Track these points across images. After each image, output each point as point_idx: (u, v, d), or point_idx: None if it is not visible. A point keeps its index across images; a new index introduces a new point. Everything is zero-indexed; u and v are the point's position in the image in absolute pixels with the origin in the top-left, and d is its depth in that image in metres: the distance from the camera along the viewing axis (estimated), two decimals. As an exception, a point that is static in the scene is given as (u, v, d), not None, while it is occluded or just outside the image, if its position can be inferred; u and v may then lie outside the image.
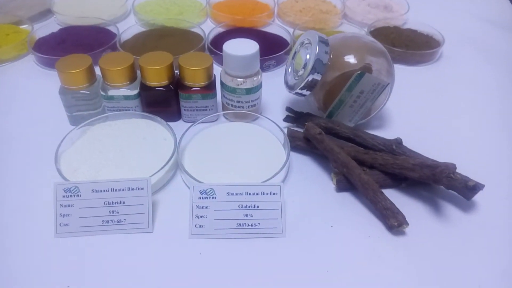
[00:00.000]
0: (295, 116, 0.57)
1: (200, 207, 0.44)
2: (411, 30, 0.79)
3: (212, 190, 0.45)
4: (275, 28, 0.80)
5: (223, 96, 0.57)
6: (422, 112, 0.62)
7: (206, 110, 0.57)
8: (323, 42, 0.51)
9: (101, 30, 0.78)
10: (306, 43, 0.54)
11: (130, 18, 0.85)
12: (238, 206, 0.45)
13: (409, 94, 0.66)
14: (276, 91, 0.63)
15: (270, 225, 0.44)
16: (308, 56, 0.52)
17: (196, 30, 0.78)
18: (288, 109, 0.57)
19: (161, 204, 0.47)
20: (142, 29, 0.79)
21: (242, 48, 0.53)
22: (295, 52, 0.56)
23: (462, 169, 0.47)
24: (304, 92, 0.53)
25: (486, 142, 0.57)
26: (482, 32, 0.84)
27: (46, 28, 0.77)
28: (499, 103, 0.64)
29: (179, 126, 0.56)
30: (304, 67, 0.52)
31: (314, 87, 0.52)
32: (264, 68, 0.69)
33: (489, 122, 0.60)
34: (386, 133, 0.57)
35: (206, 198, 0.45)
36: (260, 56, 0.68)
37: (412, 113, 0.62)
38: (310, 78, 0.51)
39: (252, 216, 0.45)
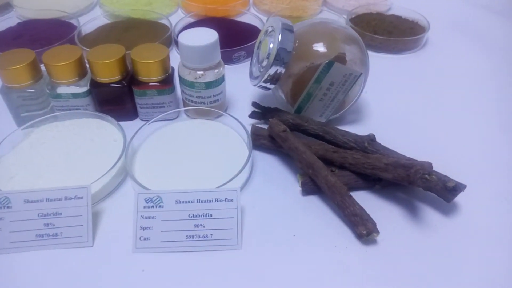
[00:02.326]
0: (262, 112, 0.52)
1: (146, 218, 0.40)
2: (394, 16, 0.73)
3: (159, 198, 0.40)
4: (250, 17, 0.74)
5: (182, 91, 0.52)
6: (404, 105, 0.57)
7: (164, 107, 0.52)
8: (287, 29, 0.46)
9: (62, 23, 0.73)
10: (270, 31, 0.48)
11: (96, 11, 0.80)
12: (189, 216, 0.40)
13: (390, 85, 0.60)
14: (246, 85, 0.57)
15: (225, 236, 0.39)
16: (271, 45, 0.46)
17: (165, 21, 0.72)
18: (254, 104, 0.52)
19: (106, 214, 0.42)
20: (107, 22, 0.74)
21: (200, 37, 0.48)
22: (260, 41, 0.51)
23: (445, 168, 0.42)
24: (268, 85, 0.48)
25: (473, 137, 0.51)
26: (472, 17, 0.78)
27: (5, 23, 0.72)
28: (488, 94, 0.59)
29: (136, 125, 0.51)
30: (268, 57, 0.47)
31: (279, 80, 0.47)
32: (234, 60, 0.64)
33: (477, 116, 0.55)
34: (363, 128, 0.52)
35: (153, 207, 0.40)
36: (230, 47, 0.63)
37: (393, 106, 0.56)
38: (273, 69, 0.46)
39: (204, 227, 0.40)
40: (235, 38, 0.66)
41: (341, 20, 0.72)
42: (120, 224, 0.41)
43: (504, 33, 0.73)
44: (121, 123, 0.51)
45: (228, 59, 0.63)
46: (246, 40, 0.64)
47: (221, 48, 0.63)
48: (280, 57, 0.45)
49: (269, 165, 0.47)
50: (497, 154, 0.49)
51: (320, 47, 0.47)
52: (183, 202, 0.40)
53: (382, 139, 0.46)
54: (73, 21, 0.72)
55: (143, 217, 0.40)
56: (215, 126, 0.51)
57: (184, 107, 0.54)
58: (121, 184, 0.45)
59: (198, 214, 0.40)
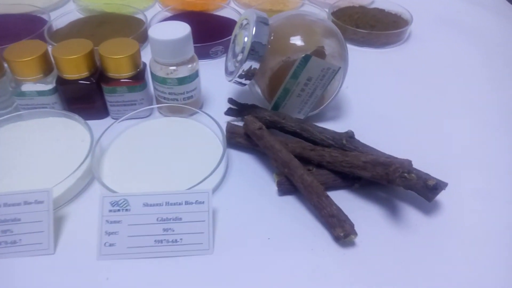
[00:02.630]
0: (238, 109, 0.50)
1: (111, 222, 0.37)
2: (378, 9, 0.71)
3: (125, 201, 0.38)
4: (229, 11, 0.72)
5: (154, 88, 0.50)
6: (386, 100, 0.55)
7: (135, 104, 0.50)
8: (262, 21, 0.44)
9: (32, 18, 0.70)
10: (245, 24, 0.46)
11: (69, 5, 0.77)
12: (157, 219, 0.38)
13: (373, 80, 0.59)
14: (223, 81, 0.55)
15: (195, 241, 0.37)
16: (246, 39, 0.44)
17: (140, 16, 0.70)
18: (231, 100, 0.50)
19: (70, 219, 0.40)
20: (81, 16, 0.71)
21: (171, 31, 0.45)
22: (235, 35, 0.49)
23: (426, 166, 0.40)
24: (244, 81, 0.46)
25: (456, 134, 0.50)
26: (456, 9, 0.77)
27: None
28: (473, 89, 0.57)
29: (107, 124, 0.49)
30: (242, 51, 0.44)
31: (255, 75, 0.45)
32: (211, 55, 0.62)
33: (460, 111, 0.53)
34: (343, 125, 0.50)
35: (119, 210, 0.38)
36: (207, 42, 0.61)
37: (375, 101, 0.55)
38: (247, 64, 0.44)
39: (173, 231, 0.37)
40: (213, 32, 0.63)
41: (322, 13, 0.70)
42: (85, 229, 0.38)
43: (490, 26, 0.72)
44: (91, 122, 0.49)
45: (205, 54, 0.61)
46: (224, 35, 0.62)
47: (198, 43, 0.61)
48: (255, 51, 0.43)
49: (245, 164, 0.45)
50: (480, 150, 0.47)
51: (296, 41, 0.45)
52: (151, 205, 0.38)
53: (363, 136, 0.44)
54: (45, 16, 0.70)
55: (108, 222, 0.37)
56: (189, 124, 0.49)
57: (157, 104, 0.51)
58: (87, 187, 0.43)
59: (167, 218, 0.38)
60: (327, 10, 0.70)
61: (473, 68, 0.61)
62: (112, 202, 0.38)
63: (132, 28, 0.66)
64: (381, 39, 0.65)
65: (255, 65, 0.44)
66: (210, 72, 0.56)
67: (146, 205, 0.38)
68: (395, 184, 0.36)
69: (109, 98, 0.49)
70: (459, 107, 0.54)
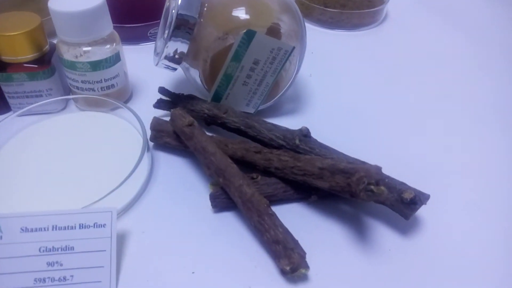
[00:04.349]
0: (171, 100, 0.40)
1: (-25, 255, 0.27)
2: (350, -13, 0.62)
3: (-5, 225, 0.28)
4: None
5: (65, 75, 0.40)
6: (357, 92, 0.45)
7: (41, 96, 0.39)
8: (192, -13, 0.34)
9: None
10: (175, -7, 0.36)
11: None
12: (40, 250, 0.28)
13: (342, 67, 0.49)
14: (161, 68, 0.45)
15: (92, 278, 0.27)
16: (173, 12, 0.34)
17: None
18: (162, 90, 0.40)
19: None
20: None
21: (78, 1, 0.35)
22: (166, 8, 0.39)
23: (403, 172, 0.31)
24: (172, 64, 0.36)
25: (439, 132, 0.41)
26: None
27: None
28: (458, 79, 0.48)
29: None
30: (169, 27, 0.35)
31: (184, 56, 0.35)
32: (149, 37, 0.52)
33: (444, 105, 0.44)
34: (303, 121, 0.41)
35: (-14, 238, 0.28)
36: (146, 22, 0.51)
37: (343, 93, 0.45)
38: (172, 43, 0.34)
39: (61, 265, 0.27)
40: (153, 10, 0.53)
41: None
42: None
43: (475, 6, 0.63)
44: (-14, 118, 0.38)
45: (143, 36, 0.51)
46: (167, 14, 0.52)
47: (135, 22, 0.51)
48: (182, 26, 0.33)
49: (175, 171, 0.36)
50: (468, 153, 0.38)
51: (239, 13, 0.35)
52: (31, 231, 0.28)
53: (325, 135, 0.35)
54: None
55: (-30, 254, 0.27)
56: (108, 121, 0.39)
57: (72, 95, 0.41)
58: (-39, 203, 0.33)
59: (53, 248, 0.28)
60: (291, -13, 0.61)
61: (457, 54, 0.52)
62: (-23, 227, 0.28)
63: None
64: (353, 20, 0.55)
65: (183, 44, 0.34)
66: (147, 58, 0.46)
67: (24, 230, 0.28)
68: (359, 198, 0.27)
69: (5, 88, 0.39)
70: (442, 101, 0.45)
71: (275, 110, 0.41)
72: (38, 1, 0.57)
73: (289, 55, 0.36)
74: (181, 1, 0.33)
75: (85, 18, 0.35)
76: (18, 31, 0.36)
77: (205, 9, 0.35)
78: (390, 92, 0.45)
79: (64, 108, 0.41)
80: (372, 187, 0.26)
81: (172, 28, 0.33)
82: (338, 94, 0.45)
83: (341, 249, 0.30)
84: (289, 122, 0.37)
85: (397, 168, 0.32)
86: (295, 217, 0.31)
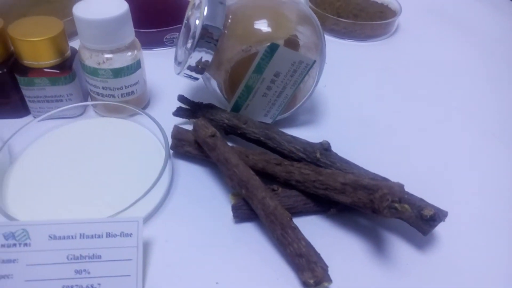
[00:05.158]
0: (191, 109, 0.40)
1: (3, 262, 0.27)
2: (362, -3, 0.63)
3: (24, 232, 0.28)
4: (193, -6, 0.62)
5: (86, 81, 0.40)
6: (370, 103, 0.46)
7: (62, 101, 0.40)
8: (217, 0, 0.35)
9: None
10: (199, 3, 0.37)
11: (4, -20, 0.66)
12: (67, 258, 0.28)
13: (355, 78, 0.50)
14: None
15: (119, 287, 0.28)
16: (197, 22, 0.35)
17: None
18: (181, 98, 0.41)
19: (-47, 253, 0.30)
20: (15, -7, 0.60)
21: (102, 8, 0.36)
22: (188, 18, 0.40)
23: (420, 188, 0.32)
24: (195, 74, 0.37)
25: (456, 145, 0.41)
26: (449, 1, 0.69)
27: None
28: (472, 90, 0.49)
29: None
30: (193, 37, 0.35)
31: (207, 66, 0.36)
32: (166, 42, 0.52)
33: (460, 117, 0.45)
34: (318, 132, 0.42)
35: (15, 245, 0.28)
36: (162, 27, 0.51)
37: (357, 103, 0.46)
38: (197, 53, 0.35)
39: (89, 273, 0.28)
40: (169, 15, 0.54)
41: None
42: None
43: (486, 19, 0.64)
44: (7, 121, 0.39)
45: (159, 41, 0.52)
46: (182, 19, 0.52)
47: (152, 28, 0.51)
48: (207, 37, 0.34)
49: (195, 180, 0.36)
50: (486, 166, 0.39)
51: (261, 26, 0.36)
52: (59, 238, 0.28)
53: (341, 147, 0.35)
54: (-29, -9, 0.58)
55: (-1, 261, 0.28)
56: (127, 127, 0.39)
57: (91, 101, 0.42)
58: (-15, 208, 0.33)
59: (81, 256, 0.28)
60: (305, -4, 0.61)
61: (469, 65, 0.53)
62: (6, 234, 0.28)
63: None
64: (366, 31, 0.56)
65: (208, 55, 0.35)
66: (163, 63, 0.47)
67: (53, 237, 0.28)
68: (382, 215, 0.28)
69: (26, 92, 0.39)
70: (456, 113, 0.45)
71: (291, 121, 0.42)
72: (53, 2, 0.58)
73: (310, 68, 0.36)
74: (207, 12, 0.34)
75: (110, 26, 0.35)
76: (41, 37, 0.36)
77: (229, 21, 0.35)
78: (404, 104, 0.46)
79: (82, 113, 0.41)
80: (396, 205, 0.26)
81: (197, 38, 0.34)
82: (352, 105, 0.46)
83: (359, 262, 0.31)
84: (305, 133, 0.38)
85: (412, 182, 0.32)
86: (314, 230, 0.32)
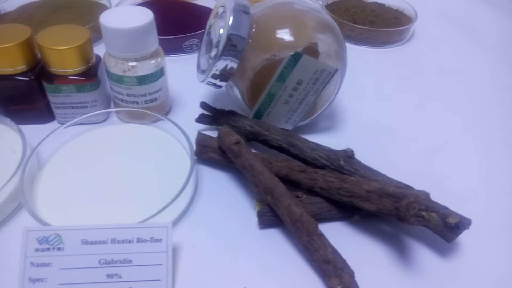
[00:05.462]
0: (213, 115, 0.41)
1: (38, 265, 0.28)
2: (377, 3, 0.63)
3: (57, 237, 0.29)
4: (211, 1, 0.63)
5: (110, 88, 0.41)
6: (388, 109, 0.47)
7: (87, 107, 0.41)
8: (242, 10, 0.35)
9: (-23, 0, 0.59)
10: (222, 12, 0.38)
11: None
12: (99, 262, 0.29)
13: (371, 84, 0.50)
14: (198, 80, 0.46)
15: (149, 291, 0.29)
16: (221, 31, 0.36)
17: (104, 1, 0.60)
18: (203, 105, 0.41)
19: (-13, 257, 0.31)
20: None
21: (128, 18, 0.36)
22: (210, 26, 0.40)
23: (441, 195, 0.33)
24: (218, 82, 0.37)
25: (478, 152, 0.42)
26: (463, 7, 0.69)
27: None
28: (489, 96, 0.50)
29: (50, 131, 0.39)
30: (217, 45, 0.36)
31: (232, 75, 0.37)
32: (184, 49, 0.53)
33: (480, 124, 0.45)
34: (338, 139, 0.42)
35: (48, 249, 0.29)
36: (181, 33, 0.52)
37: (375, 110, 0.46)
38: (222, 62, 0.35)
39: (120, 277, 0.29)
40: (188, 23, 0.54)
41: (315, 5, 0.62)
42: (4, 272, 0.30)
43: (503, 26, 0.64)
44: (32, 127, 0.40)
45: (178, 48, 0.52)
46: (200, 26, 0.53)
47: (170, 35, 0.52)
48: (232, 46, 0.34)
49: (219, 186, 0.37)
50: (509, 174, 0.39)
51: (284, 35, 0.37)
52: (91, 243, 0.29)
53: (361, 154, 0.36)
54: (-8, -2, 0.59)
55: (33, 265, 0.28)
56: (151, 133, 0.40)
57: (115, 107, 0.42)
58: (16, 213, 0.34)
59: (112, 260, 0.29)
60: (320, 2, 0.62)
61: (485, 73, 0.54)
62: (40, 239, 0.29)
63: (94, 16, 0.56)
64: (381, 37, 0.57)
65: (233, 63, 0.35)
66: (182, 69, 0.48)
67: (85, 242, 0.29)
68: (408, 223, 0.28)
69: (52, 98, 0.40)
70: (476, 120, 0.46)
71: (311, 127, 0.43)
72: (72, 8, 0.59)
73: (332, 76, 0.37)
74: (232, 21, 0.34)
75: (136, 35, 0.36)
76: (68, 46, 0.37)
77: (253, 30, 0.36)
78: (420, 111, 0.47)
79: (106, 119, 0.42)
80: (424, 213, 0.27)
81: (222, 48, 0.34)
82: (370, 112, 0.46)
83: (383, 268, 0.31)
84: (323, 139, 0.38)
85: (434, 189, 0.32)
86: (338, 236, 0.32)
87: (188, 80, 0.46)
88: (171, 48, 0.52)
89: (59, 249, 0.29)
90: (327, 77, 0.37)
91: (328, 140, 0.40)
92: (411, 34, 0.60)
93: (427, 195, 0.28)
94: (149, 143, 0.39)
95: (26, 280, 0.28)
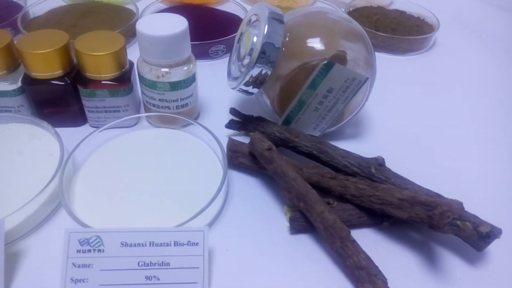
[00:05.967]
0: (242, 121, 0.42)
1: (79, 266, 0.29)
2: (398, 11, 0.64)
3: (98, 239, 0.30)
4: (232, 6, 0.64)
5: (142, 92, 0.42)
6: (412, 117, 0.47)
7: (119, 111, 0.41)
8: (276, 18, 0.36)
9: (8, 3, 0.61)
10: (254, 21, 0.38)
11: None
12: (138, 264, 0.30)
13: (394, 91, 0.51)
14: (225, 86, 0.46)
15: (186, 293, 0.30)
16: (255, 39, 0.36)
17: (131, 6, 0.61)
18: (233, 111, 0.42)
19: (28, 259, 0.32)
20: (63, 4, 0.63)
21: (164, 25, 0.37)
22: (242, 33, 0.41)
23: (469, 204, 0.33)
24: (251, 89, 0.38)
25: (503, 160, 0.42)
26: (486, 16, 0.69)
27: None
28: (510, 102, 0.50)
29: (83, 134, 0.40)
30: (251, 53, 0.36)
31: (264, 83, 0.37)
32: (211, 55, 0.54)
33: (503, 132, 0.46)
34: (364, 146, 0.43)
35: (89, 251, 0.29)
36: (207, 39, 0.53)
37: (399, 117, 0.47)
38: (256, 69, 0.36)
39: (158, 279, 0.30)
40: (214, 28, 0.55)
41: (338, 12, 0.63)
42: (45, 274, 0.30)
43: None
44: (66, 130, 0.41)
45: (204, 53, 0.53)
46: (226, 32, 0.54)
47: (196, 40, 0.53)
48: (266, 54, 0.35)
49: (249, 191, 0.37)
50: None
51: (316, 44, 0.37)
52: (131, 246, 0.30)
53: (388, 161, 0.36)
54: (21, 1, 0.61)
55: (75, 266, 0.29)
56: (182, 138, 0.41)
57: (146, 112, 0.43)
58: (53, 214, 0.35)
59: (151, 263, 0.30)
60: (343, 9, 0.63)
61: (508, 81, 0.54)
62: (81, 240, 0.30)
63: (121, 20, 0.58)
64: (403, 45, 0.57)
65: (266, 70, 0.36)
66: (208, 74, 0.49)
67: (124, 245, 0.30)
68: (441, 231, 0.29)
69: (87, 102, 0.41)
70: (499, 129, 0.46)
71: (337, 134, 0.43)
72: (100, 13, 0.60)
73: (362, 85, 0.38)
74: (267, 30, 0.35)
75: (172, 42, 0.37)
76: (104, 52, 0.38)
77: (286, 39, 0.37)
78: (444, 120, 0.47)
79: (136, 123, 0.43)
80: (458, 222, 0.27)
81: (256, 56, 0.35)
82: (394, 119, 0.47)
83: (413, 275, 0.32)
84: (351, 146, 0.39)
85: (461, 198, 0.32)
86: (368, 242, 0.33)
87: (215, 86, 0.47)
88: (197, 53, 0.52)
89: (99, 250, 0.30)
90: (357, 85, 0.37)
91: (355, 146, 0.40)
92: (432, 42, 0.60)
93: (460, 204, 0.29)
94: (181, 148, 0.40)
95: (68, 280, 0.29)
